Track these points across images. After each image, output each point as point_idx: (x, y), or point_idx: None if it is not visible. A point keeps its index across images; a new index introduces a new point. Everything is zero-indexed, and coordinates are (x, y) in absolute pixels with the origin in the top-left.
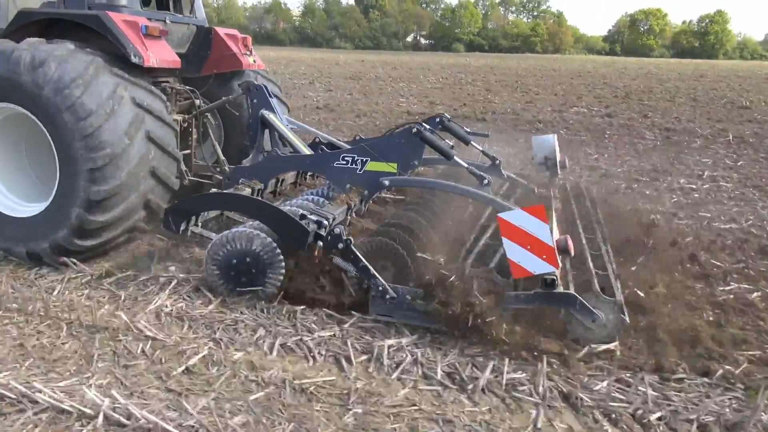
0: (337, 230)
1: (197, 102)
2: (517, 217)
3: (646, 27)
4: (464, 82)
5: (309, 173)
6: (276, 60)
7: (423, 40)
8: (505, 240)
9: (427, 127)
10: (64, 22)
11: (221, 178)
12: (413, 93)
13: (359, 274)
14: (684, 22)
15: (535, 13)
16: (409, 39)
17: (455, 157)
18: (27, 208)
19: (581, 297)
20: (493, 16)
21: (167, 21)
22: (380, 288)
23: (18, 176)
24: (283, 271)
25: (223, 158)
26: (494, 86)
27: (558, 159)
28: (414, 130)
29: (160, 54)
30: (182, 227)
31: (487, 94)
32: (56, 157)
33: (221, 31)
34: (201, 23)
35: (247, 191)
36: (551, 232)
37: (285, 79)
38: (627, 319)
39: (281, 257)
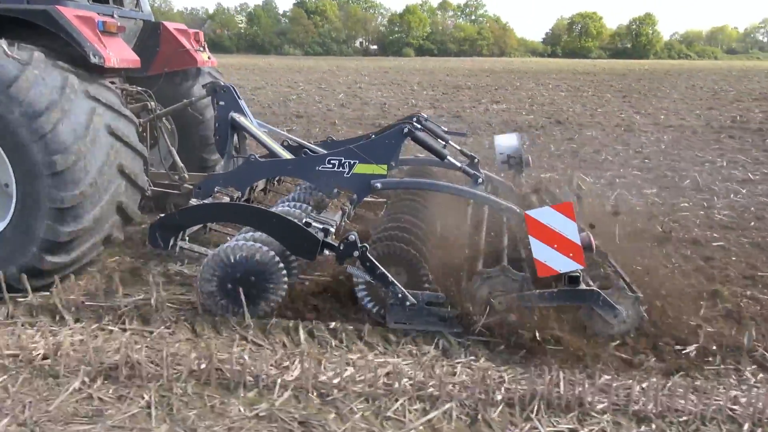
0: (351, 237)
1: (151, 104)
2: (545, 214)
3: (584, 30)
4: (553, 89)
5: (277, 179)
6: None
7: (371, 46)
8: (532, 239)
9: (419, 126)
10: None
11: (190, 187)
12: (563, 101)
13: (376, 282)
14: (560, 18)
15: (473, 17)
16: (357, 44)
17: (448, 157)
18: None
19: (603, 293)
20: (434, 21)
21: (115, 15)
22: (399, 295)
23: None
24: (286, 284)
25: (182, 165)
26: (592, 91)
27: (522, 157)
28: (405, 130)
29: (119, 53)
30: (171, 243)
31: (617, 100)
32: (14, 189)
33: (170, 26)
34: (147, 17)
35: (225, 200)
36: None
37: (432, 97)
38: (645, 314)
39: (284, 270)
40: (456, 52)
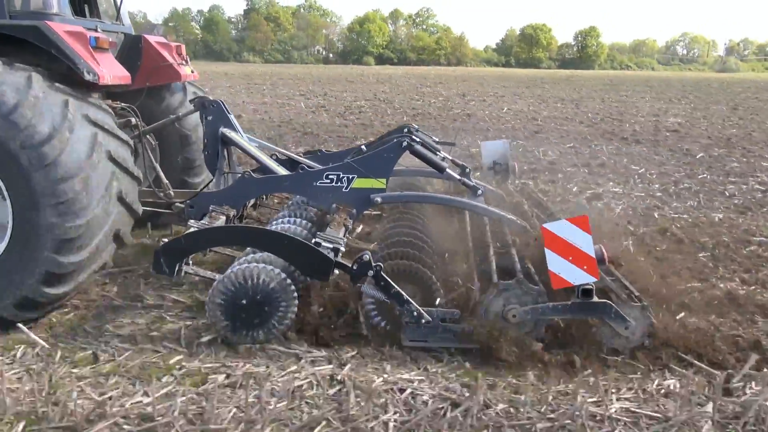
0: (366, 257)
1: (134, 120)
2: (561, 228)
3: (534, 40)
4: (651, 100)
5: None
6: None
7: (330, 54)
8: (548, 251)
9: (417, 139)
10: None
11: (182, 206)
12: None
13: (391, 301)
14: (511, 29)
15: (424, 27)
16: (315, 52)
17: (447, 170)
18: None
19: (616, 305)
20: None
21: (98, 29)
22: (415, 313)
23: None
24: (297, 305)
25: (167, 181)
26: (694, 102)
27: (509, 164)
28: (404, 143)
29: (111, 69)
30: (176, 269)
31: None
32: (6, 197)
33: (151, 39)
34: (127, 31)
35: (222, 219)
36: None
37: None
38: (653, 320)
39: (295, 292)
40: (415, 61)
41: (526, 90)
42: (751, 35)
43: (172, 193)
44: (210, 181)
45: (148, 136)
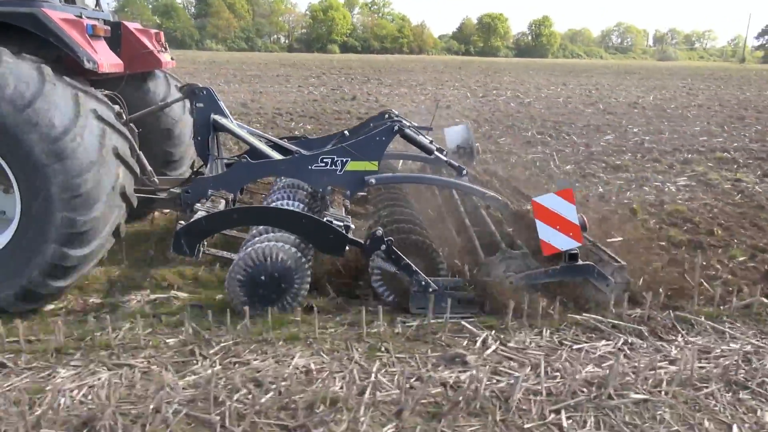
0: (378, 232)
1: (117, 108)
2: (549, 200)
3: (492, 29)
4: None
5: None
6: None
7: (294, 43)
8: (537, 222)
9: (407, 123)
10: None
11: (176, 191)
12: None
13: (401, 273)
14: (467, 18)
15: (380, 15)
16: (277, 40)
17: (435, 152)
18: None
19: (598, 266)
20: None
21: (83, 16)
22: (423, 283)
23: None
24: (310, 280)
25: (150, 169)
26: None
27: (473, 147)
28: (396, 127)
29: (108, 57)
30: (196, 249)
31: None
32: (16, 190)
33: (131, 25)
34: (107, 17)
35: (222, 203)
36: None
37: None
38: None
39: (308, 268)
40: (379, 50)
41: (574, 80)
42: (677, 25)
43: (156, 180)
44: (198, 168)
45: (131, 124)
